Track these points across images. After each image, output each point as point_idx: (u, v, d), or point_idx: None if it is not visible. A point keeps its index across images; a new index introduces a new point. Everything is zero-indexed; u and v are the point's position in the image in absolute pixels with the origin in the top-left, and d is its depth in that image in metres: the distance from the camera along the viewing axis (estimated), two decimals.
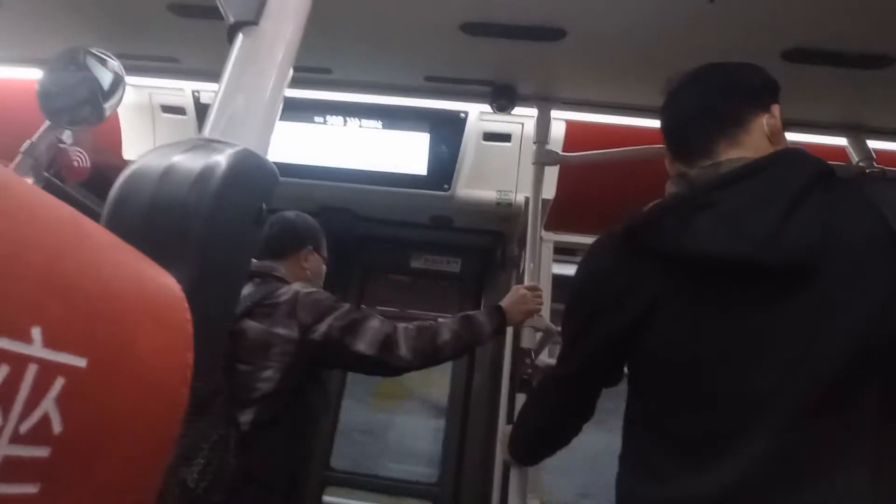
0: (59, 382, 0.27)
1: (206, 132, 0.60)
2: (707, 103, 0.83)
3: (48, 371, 0.26)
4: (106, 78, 1.47)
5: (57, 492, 0.27)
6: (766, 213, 0.68)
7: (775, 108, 0.82)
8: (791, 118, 1.64)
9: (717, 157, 0.79)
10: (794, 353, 0.66)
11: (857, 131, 1.67)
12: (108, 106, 1.47)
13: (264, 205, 0.60)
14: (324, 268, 1.58)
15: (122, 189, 0.52)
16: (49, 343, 0.26)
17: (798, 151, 0.75)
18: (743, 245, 0.67)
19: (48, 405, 0.26)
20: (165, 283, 0.40)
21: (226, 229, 0.53)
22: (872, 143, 1.66)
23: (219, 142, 0.57)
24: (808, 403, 0.65)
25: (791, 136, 1.68)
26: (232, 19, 0.65)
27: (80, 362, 0.28)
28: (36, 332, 0.26)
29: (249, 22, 0.64)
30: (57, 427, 0.27)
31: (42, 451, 0.26)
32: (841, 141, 1.69)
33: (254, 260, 1.46)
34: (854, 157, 1.66)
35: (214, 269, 0.52)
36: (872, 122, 1.65)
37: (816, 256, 0.66)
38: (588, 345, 0.85)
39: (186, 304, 0.40)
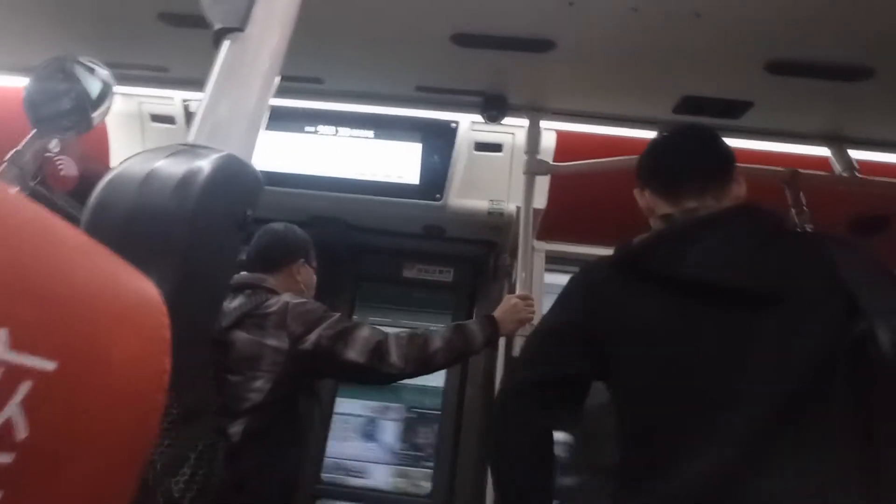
0: (26, 386, 0.26)
1: (191, 138, 0.60)
2: (708, 159, 0.99)
3: (14, 374, 0.26)
4: (94, 86, 1.45)
5: (22, 498, 0.26)
6: (744, 250, 0.83)
7: (741, 177, 0.99)
8: (775, 128, 1.67)
9: (703, 202, 0.94)
10: (769, 360, 0.77)
11: (840, 142, 1.69)
12: (96, 115, 1.45)
13: (249, 211, 0.59)
14: (315, 278, 1.58)
15: (102, 194, 0.51)
16: (16, 345, 0.26)
17: (755, 204, 0.92)
18: (731, 274, 0.81)
19: (13, 410, 0.26)
20: (141, 288, 0.39)
21: (208, 235, 0.53)
22: (854, 154, 1.69)
23: (202, 147, 0.57)
24: (782, 401, 0.74)
25: (774, 146, 1.72)
26: (217, 25, 0.65)
27: (49, 366, 0.27)
28: (2, 334, 0.25)
29: (235, 28, 0.64)
30: (22, 432, 0.26)
31: (6, 458, 0.25)
32: (824, 151, 1.72)
33: (244, 272, 1.45)
34: (836, 167, 1.68)
35: (196, 275, 0.51)
36: (854, 133, 1.68)
37: (785, 285, 0.80)
38: (569, 338, 0.91)
39: (164, 309, 0.40)
